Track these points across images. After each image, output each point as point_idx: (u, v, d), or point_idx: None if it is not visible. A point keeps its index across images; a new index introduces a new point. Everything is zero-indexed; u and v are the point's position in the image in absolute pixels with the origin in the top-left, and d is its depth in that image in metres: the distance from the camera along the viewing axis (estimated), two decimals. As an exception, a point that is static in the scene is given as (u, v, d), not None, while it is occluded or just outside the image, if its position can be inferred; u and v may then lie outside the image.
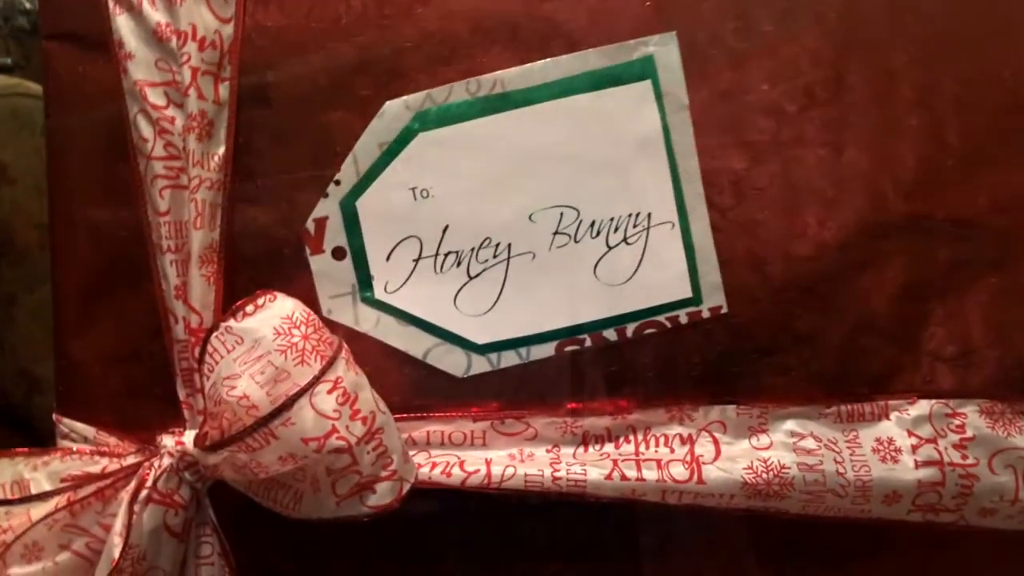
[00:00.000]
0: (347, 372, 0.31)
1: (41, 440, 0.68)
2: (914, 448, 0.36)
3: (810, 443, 0.36)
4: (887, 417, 0.36)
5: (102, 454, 0.35)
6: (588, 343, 0.36)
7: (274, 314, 0.32)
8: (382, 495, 0.32)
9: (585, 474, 0.35)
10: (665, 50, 0.35)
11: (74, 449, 0.35)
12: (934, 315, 0.36)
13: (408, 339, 0.36)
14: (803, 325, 0.36)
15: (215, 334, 0.31)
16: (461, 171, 0.35)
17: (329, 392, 0.30)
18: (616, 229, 0.36)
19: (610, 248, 0.36)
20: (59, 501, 0.33)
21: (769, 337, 0.36)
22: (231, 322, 0.31)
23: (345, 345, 0.32)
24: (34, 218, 0.75)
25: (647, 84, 0.35)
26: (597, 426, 0.36)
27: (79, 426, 0.36)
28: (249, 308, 0.32)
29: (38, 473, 0.34)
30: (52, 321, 0.39)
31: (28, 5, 0.99)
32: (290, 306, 0.32)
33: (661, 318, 0.36)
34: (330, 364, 0.30)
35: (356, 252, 0.35)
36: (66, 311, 0.38)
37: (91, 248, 0.38)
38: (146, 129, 0.34)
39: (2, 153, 0.74)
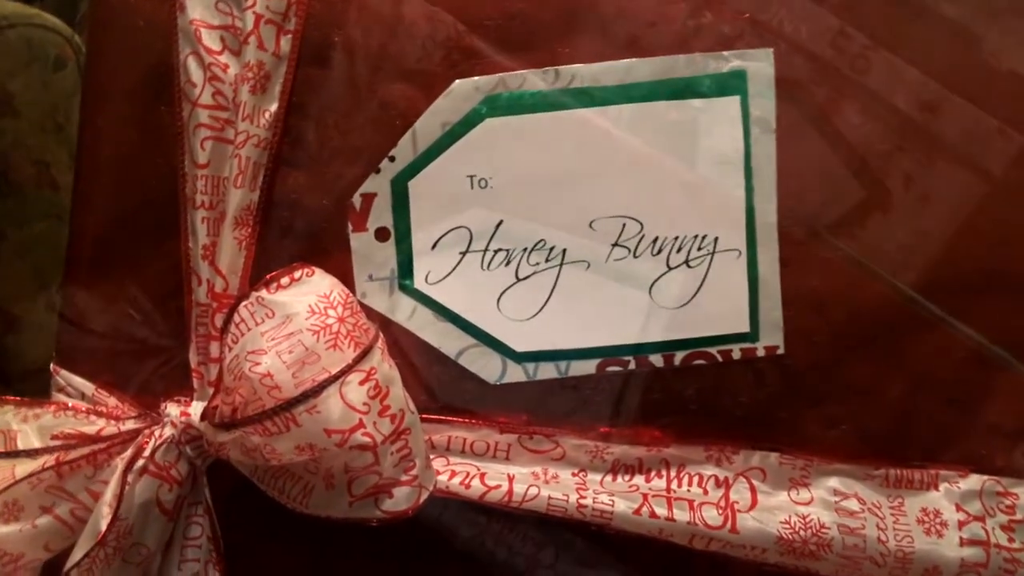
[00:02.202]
0: (382, 364, 0.28)
1: (7, 382, 0.65)
2: (961, 524, 0.34)
3: (853, 504, 0.34)
4: (936, 487, 0.34)
5: (99, 415, 0.32)
6: (632, 366, 0.34)
7: (311, 290, 0.29)
8: (399, 500, 0.29)
9: (613, 505, 0.32)
10: (759, 66, 0.33)
11: (69, 405, 0.32)
12: (1000, 386, 0.34)
13: (443, 336, 0.33)
14: (860, 378, 0.34)
15: (244, 303, 0.29)
16: (525, 165, 0.33)
17: (361, 383, 0.28)
18: (679, 249, 0.34)
19: (670, 269, 0.34)
20: (47, 460, 0.30)
21: (823, 386, 0.34)
22: (263, 292, 0.29)
23: (382, 335, 0.30)
24: (34, 154, 0.72)
25: (735, 100, 0.33)
26: (629, 455, 0.34)
27: (77, 380, 0.34)
28: (284, 280, 0.29)
29: (27, 426, 0.31)
30: (40, 261, 0.36)
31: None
32: (328, 284, 0.30)
33: (713, 350, 0.34)
34: (365, 353, 0.28)
35: (401, 235, 0.33)
36: (79, 257, 0.36)
37: (116, 193, 0.35)
38: (196, 73, 0.32)
39: (10, 83, 0.71)
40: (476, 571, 0.36)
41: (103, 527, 0.29)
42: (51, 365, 0.34)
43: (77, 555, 0.29)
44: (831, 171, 0.34)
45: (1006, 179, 0.34)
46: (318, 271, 0.30)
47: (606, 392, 0.34)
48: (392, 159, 0.33)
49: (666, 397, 0.34)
